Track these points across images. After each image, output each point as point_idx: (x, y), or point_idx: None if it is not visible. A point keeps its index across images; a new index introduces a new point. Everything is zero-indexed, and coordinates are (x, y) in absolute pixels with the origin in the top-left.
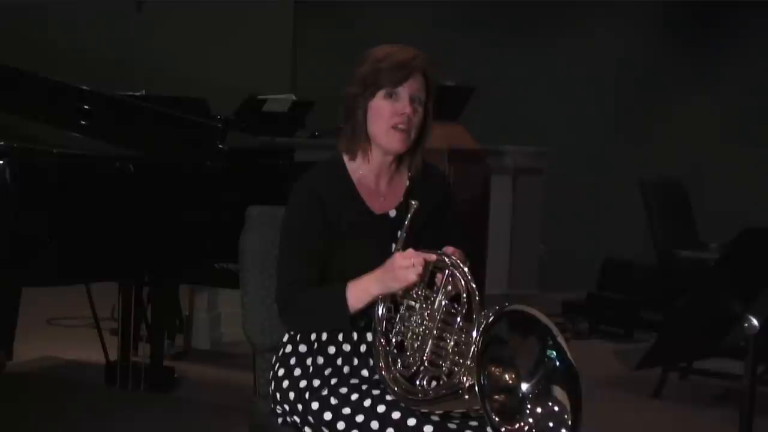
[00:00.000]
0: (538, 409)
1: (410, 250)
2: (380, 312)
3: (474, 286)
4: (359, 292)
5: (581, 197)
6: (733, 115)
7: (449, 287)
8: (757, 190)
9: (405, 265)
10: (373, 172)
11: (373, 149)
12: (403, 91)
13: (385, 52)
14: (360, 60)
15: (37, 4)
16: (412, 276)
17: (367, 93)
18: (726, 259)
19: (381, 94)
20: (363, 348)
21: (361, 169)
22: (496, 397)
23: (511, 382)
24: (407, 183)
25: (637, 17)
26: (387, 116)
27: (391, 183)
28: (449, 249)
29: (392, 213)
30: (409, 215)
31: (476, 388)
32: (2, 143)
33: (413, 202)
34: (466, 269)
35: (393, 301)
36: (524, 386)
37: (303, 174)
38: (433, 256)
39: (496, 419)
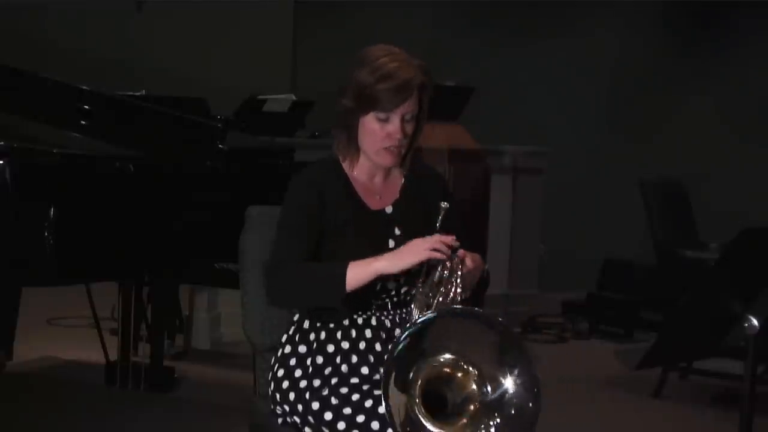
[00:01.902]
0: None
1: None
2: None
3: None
4: (362, 265)
5: (581, 197)
6: (733, 115)
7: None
8: (757, 190)
9: (420, 243)
10: (367, 173)
11: (364, 158)
12: (395, 115)
13: (385, 69)
14: (358, 62)
15: (37, 4)
16: (423, 252)
17: (360, 109)
18: (726, 259)
19: (373, 114)
20: (362, 345)
21: (355, 169)
22: (471, 407)
23: (475, 387)
24: (402, 180)
25: (636, 17)
26: (378, 139)
27: (387, 180)
28: (461, 253)
29: (388, 210)
30: (440, 216)
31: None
32: (2, 143)
33: (443, 204)
34: (460, 276)
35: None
36: (508, 381)
37: (301, 170)
38: (449, 239)
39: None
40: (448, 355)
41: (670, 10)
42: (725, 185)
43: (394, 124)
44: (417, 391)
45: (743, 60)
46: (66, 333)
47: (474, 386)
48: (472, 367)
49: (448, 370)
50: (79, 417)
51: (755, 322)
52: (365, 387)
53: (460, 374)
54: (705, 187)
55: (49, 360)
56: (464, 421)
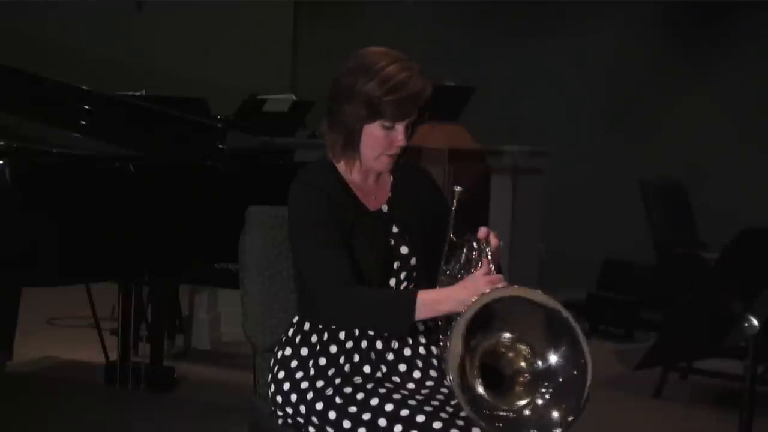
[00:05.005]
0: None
1: (497, 276)
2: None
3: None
4: (430, 304)
5: (581, 197)
6: (733, 115)
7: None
8: (757, 190)
9: (480, 283)
10: (361, 175)
11: (359, 161)
12: (401, 124)
13: (395, 80)
14: (359, 68)
15: (37, 4)
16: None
17: (367, 117)
18: (726, 259)
19: (379, 123)
20: (364, 344)
21: (349, 172)
22: (521, 379)
23: (525, 363)
24: (391, 178)
25: (636, 17)
26: (381, 146)
27: (378, 181)
28: (482, 233)
29: (384, 208)
30: (455, 200)
31: (457, 389)
32: (2, 143)
33: (457, 188)
34: (491, 256)
35: None
36: (552, 358)
37: (298, 174)
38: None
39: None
40: (507, 334)
41: (670, 10)
42: (725, 185)
43: (399, 133)
44: (476, 360)
45: (743, 60)
46: (66, 333)
47: (524, 362)
48: (525, 345)
49: (503, 348)
50: (79, 417)
51: (755, 322)
52: (369, 385)
53: (511, 353)
54: (705, 187)
55: (49, 360)
56: (519, 389)
